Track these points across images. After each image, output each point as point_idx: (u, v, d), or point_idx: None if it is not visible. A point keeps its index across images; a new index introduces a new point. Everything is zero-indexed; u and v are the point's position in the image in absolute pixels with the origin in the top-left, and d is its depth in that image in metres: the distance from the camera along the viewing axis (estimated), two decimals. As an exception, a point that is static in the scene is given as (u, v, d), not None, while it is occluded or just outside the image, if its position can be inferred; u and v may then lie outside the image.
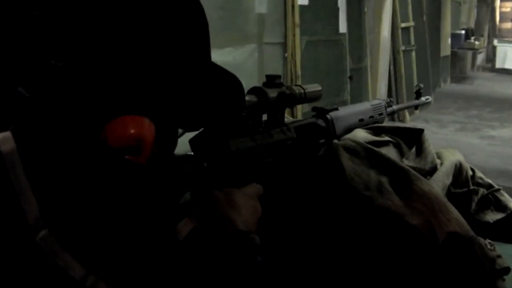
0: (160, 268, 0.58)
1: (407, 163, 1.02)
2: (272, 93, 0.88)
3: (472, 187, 1.08)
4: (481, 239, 0.85)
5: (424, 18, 7.26)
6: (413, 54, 6.65)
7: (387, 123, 1.20)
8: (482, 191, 1.07)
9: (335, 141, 0.99)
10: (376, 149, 0.96)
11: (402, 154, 1.06)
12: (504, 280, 0.84)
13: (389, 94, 6.07)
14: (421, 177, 0.93)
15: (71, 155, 0.57)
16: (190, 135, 0.79)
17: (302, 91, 0.95)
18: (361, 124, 1.15)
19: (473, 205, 1.05)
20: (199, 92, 0.70)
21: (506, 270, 0.84)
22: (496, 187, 1.11)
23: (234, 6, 3.31)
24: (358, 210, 0.89)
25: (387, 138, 1.07)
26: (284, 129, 0.93)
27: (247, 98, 0.84)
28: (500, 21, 14.10)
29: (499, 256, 0.84)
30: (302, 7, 3.93)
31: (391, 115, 1.34)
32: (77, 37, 0.59)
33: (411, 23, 6.55)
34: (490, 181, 1.12)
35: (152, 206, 0.62)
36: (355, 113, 1.16)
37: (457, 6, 9.74)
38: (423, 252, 0.84)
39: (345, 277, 0.86)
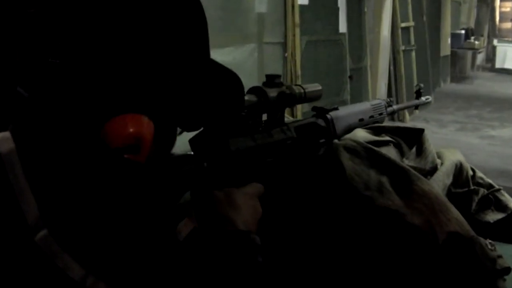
0: (160, 268, 0.58)
1: (407, 163, 1.02)
2: (272, 93, 0.87)
3: (472, 187, 1.08)
4: (482, 239, 0.85)
5: (424, 18, 7.26)
6: (413, 54, 6.65)
7: (387, 123, 1.20)
8: (482, 191, 1.07)
9: (335, 140, 0.99)
10: (376, 149, 0.96)
11: (402, 154, 1.06)
12: (504, 280, 0.84)
13: (389, 94, 6.07)
14: (422, 177, 0.93)
15: (70, 155, 0.56)
16: (190, 134, 0.79)
17: (302, 90, 0.94)
18: (361, 124, 1.15)
19: (474, 205, 1.05)
20: (198, 89, 0.69)
21: (506, 270, 0.84)
22: (497, 187, 1.11)
23: (234, 5, 3.31)
24: (358, 210, 0.89)
25: (387, 138, 1.07)
26: (284, 128, 0.93)
27: (247, 97, 0.84)
28: (500, 21, 14.10)
29: (499, 256, 0.84)
30: (302, 6, 3.93)
31: (391, 115, 1.34)
32: (75, 35, 0.58)
33: (411, 23, 6.55)
34: (490, 181, 1.12)
35: (152, 206, 0.62)
36: (355, 112, 1.16)
37: (457, 6, 9.74)
38: (424, 252, 0.84)
39: (345, 277, 0.86)
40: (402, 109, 1.54)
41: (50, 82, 0.58)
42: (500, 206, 1.07)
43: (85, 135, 0.59)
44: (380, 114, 1.23)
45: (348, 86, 4.79)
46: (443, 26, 8.53)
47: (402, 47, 6.25)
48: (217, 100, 0.72)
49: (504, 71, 11.18)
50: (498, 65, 11.64)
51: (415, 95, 1.49)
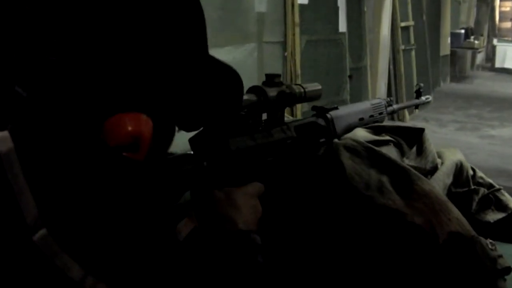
0: (160, 268, 0.57)
1: (407, 162, 1.02)
2: (272, 92, 0.87)
3: (472, 187, 1.08)
4: (482, 239, 0.84)
5: (424, 17, 7.26)
6: (413, 53, 6.65)
7: (387, 122, 1.20)
8: (482, 190, 1.07)
9: (336, 140, 0.99)
10: (376, 148, 0.96)
11: (402, 154, 1.06)
12: (505, 280, 0.84)
13: (389, 93, 6.07)
14: (422, 176, 0.92)
15: (69, 154, 0.56)
16: (190, 134, 0.78)
17: (302, 90, 0.94)
18: (361, 123, 1.15)
19: (474, 204, 1.05)
20: (196, 85, 0.69)
21: (507, 270, 0.83)
22: (497, 186, 1.11)
23: (234, 5, 3.31)
24: (359, 210, 0.89)
25: (387, 138, 1.07)
26: (284, 128, 0.93)
27: (247, 97, 0.84)
28: (500, 20, 14.10)
29: (500, 256, 0.83)
30: (302, 6, 3.93)
31: (391, 114, 1.34)
32: (73, 33, 0.58)
33: (411, 23, 6.55)
34: (490, 180, 1.12)
35: (151, 205, 0.62)
36: (355, 112, 1.15)
37: (457, 6, 9.74)
38: (424, 252, 0.84)
39: (346, 277, 0.86)
40: (402, 108, 1.54)
41: (48, 81, 0.58)
42: (501, 205, 1.07)
43: (84, 134, 0.59)
44: (380, 113, 1.23)
45: (348, 85, 4.78)
46: (443, 26, 8.53)
47: (402, 47, 6.25)
48: (216, 96, 0.72)
49: (504, 71, 11.18)
50: (497, 64, 11.64)
51: (415, 94, 1.49)
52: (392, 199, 0.88)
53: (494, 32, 13.71)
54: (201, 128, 0.79)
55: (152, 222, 0.60)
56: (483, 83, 9.77)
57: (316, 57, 4.24)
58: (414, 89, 1.49)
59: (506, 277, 0.84)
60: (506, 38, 12.78)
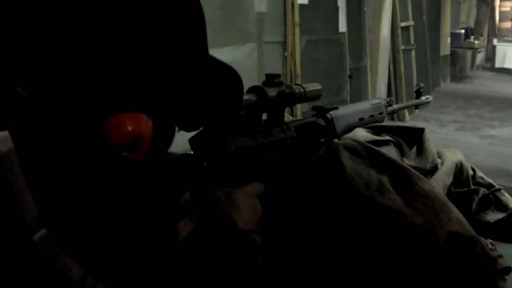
0: (160, 268, 0.57)
1: (407, 162, 1.01)
2: (272, 92, 0.87)
3: (472, 187, 1.08)
4: (482, 239, 0.84)
5: (424, 17, 7.26)
6: (413, 53, 6.65)
7: (387, 122, 1.20)
8: (482, 190, 1.07)
9: (336, 140, 0.99)
10: (376, 148, 0.96)
11: (402, 154, 1.05)
12: (505, 280, 0.84)
13: (389, 93, 6.07)
14: (422, 176, 0.92)
15: (69, 154, 0.56)
16: (190, 134, 0.78)
17: (302, 90, 0.94)
18: (361, 123, 1.15)
19: (474, 204, 1.05)
20: (196, 84, 0.69)
21: (507, 270, 0.83)
22: (497, 186, 1.11)
23: (234, 5, 3.31)
24: (359, 210, 0.89)
25: (387, 138, 1.07)
26: (284, 128, 0.93)
27: (247, 97, 0.84)
28: (500, 20, 14.10)
29: (500, 256, 0.83)
30: (302, 6, 3.93)
31: (391, 114, 1.34)
32: (72, 33, 0.58)
33: (411, 22, 6.55)
34: (490, 180, 1.12)
35: (151, 205, 0.62)
36: (355, 112, 1.15)
37: (457, 5, 9.74)
38: (424, 252, 0.84)
39: (346, 277, 0.86)
40: (402, 108, 1.54)
41: (48, 81, 0.58)
42: (501, 205, 1.07)
43: (84, 134, 0.59)
44: (380, 113, 1.23)
45: (348, 85, 4.79)
46: (443, 26, 8.53)
47: (402, 47, 6.25)
48: (216, 96, 0.72)
49: (504, 71, 11.18)
50: (497, 64, 11.64)
51: (415, 94, 1.48)
52: (392, 199, 0.88)
53: (494, 32, 13.71)
54: (201, 128, 0.79)
55: (152, 222, 0.60)
56: (483, 83, 9.77)
57: (316, 57, 4.24)
58: (414, 89, 1.48)
59: (506, 277, 0.84)
60: (506, 38, 12.78)
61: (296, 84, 0.94)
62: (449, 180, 1.04)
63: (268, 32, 3.65)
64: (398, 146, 1.07)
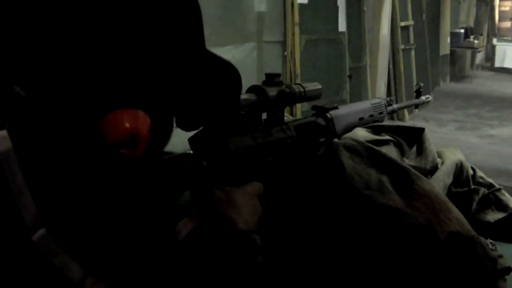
0: (160, 268, 0.57)
1: (407, 162, 1.01)
2: (272, 92, 0.87)
3: (473, 187, 1.08)
4: (483, 239, 0.84)
5: (424, 17, 7.27)
6: (413, 53, 6.65)
7: (387, 122, 1.20)
8: (483, 190, 1.07)
9: (335, 140, 0.99)
10: (376, 148, 0.96)
11: (402, 153, 1.05)
12: (505, 280, 0.84)
13: (388, 93, 6.07)
14: (422, 176, 0.92)
15: (68, 153, 0.56)
16: (189, 134, 0.78)
17: (302, 89, 0.94)
18: (361, 123, 1.15)
19: (474, 204, 1.05)
20: (194, 79, 0.69)
21: (507, 270, 0.83)
22: (497, 186, 1.10)
23: (233, 4, 3.31)
24: (358, 209, 0.88)
25: (387, 137, 1.07)
26: (284, 127, 0.93)
27: (247, 96, 0.83)
28: (499, 20, 14.10)
29: (500, 256, 0.83)
30: (301, 5, 3.93)
31: (391, 114, 1.34)
32: (67, 29, 0.57)
33: (411, 22, 6.56)
34: (491, 180, 1.12)
35: (151, 204, 0.61)
36: (355, 111, 1.15)
37: (457, 5, 9.74)
38: (424, 252, 0.84)
39: (346, 277, 0.86)
40: (402, 108, 1.54)
41: (45, 78, 0.57)
42: (501, 205, 1.06)
43: (82, 132, 0.58)
44: (380, 113, 1.23)
45: (348, 85, 4.79)
46: (443, 25, 8.54)
47: (402, 46, 6.25)
48: (214, 90, 0.71)
49: (504, 70, 11.19)
50: (497, 64, 11.65)
51: (414, 94, 1.48)
52: (392, 199, 0.88)
53: (494, 31, 13.71)
54: (201, 128, 0.78)
55: (151, 222, 0.60)
56: (483, 83, 9.78)
57: (315, 56, 4.24)
58: (414, 88, 1.48)
59: (506, 277, 0.84)
60: (505, 38, 12.79)
61: (296, 84, 0.94)
62: (449, 179, 1.04)
63: (268, 32, 3.65)
64: (398, 145, 1.06)
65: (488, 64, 12.25)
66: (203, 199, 0.76)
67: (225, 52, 3.13)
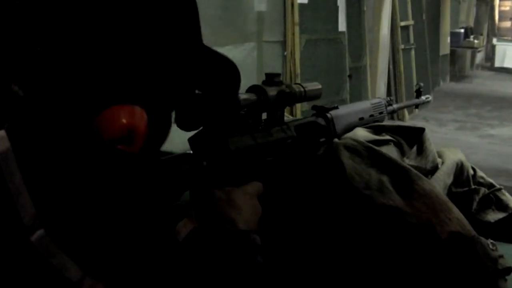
0: (159, 268, 0.57)
1: (408, 162, 1.01)
2: (272, 92, 0.87)
3: (473, 187, 1.07)
4: (483, 239, 0.84)
5: (424, 16, 7.27)
6: (413, 52, 6.65)
7: (387, 122, 1.20)
8: (483, 190, 1.06)
9: (336, 140, 0.99)
10: (376, 148, 0.96)
11: (403, 153, 1.05)
12: (506, 280, 0.83)
13: (388, 93, 6.07)
14: (422, 176, 0.92)
15: (66, 153, 0.56)
16: (189, 133, 0.78)
17: (302, 89, 0.94)
18: (362, 122, 1.15)
19: (474, 204, 1.04)
20: (191, 75, 0.68)
21: (508, 270, 0.83)
22: (497, 186, 1.10)
23: (233, 4, 3.31)
24: (359, 209, 0.88)
25: (387, 137, 1.06)
26: (284, 127, 0.92)
27: (246, 96, 0.83)
28: (499, 19, 14.11)
29: (501, 256, 0.83)
30: (301, 5, 3.93)
31: (391, 114, 1.34)
32: (63, 25, 0.57)
33: (411, 22, 6.56)
34: (491, 180, 1.12)
35: (150, 204, 0.61)
36: (355, 111, 1.15)
37: (457, 5, 9.74)
38: (425, 252, 0.84)
39: (346, 277, 0.86)
40: (402, 108, 1.54)
41: (41, 75, 0.57)
42: (501, 205, 1.06)
43: (79, 129, 0.58)
44: (381, 113, 1.22)
45: (348, 85, 4.79)
46: (443, 25, 8.54)
47: (402, 46, 6.25)
48: (212, 86, 0.71)
49: (503, 70, 11.20)
50: (497, 64, 11.66)
51: (414, 94, 1.48)
52: (392, 199, 0.88)
53: (494, 31, 13.72)
54: (201, 128, 0.78)
55: (151, 222, 0.59)
56: (483, 83, 9.78)
57: (315, 56, 4.25)
58: (414, 88, 1.48)
59: (507, 277, 0.84)
60: (505, 38, 12.80)
61: (296, 84, 0.94)
62: (449, 179, 1.04)
63: (268, 32, 3.66)
64: (398, 145, 1.06)
65: (488, 64, 12.26)
66: (203, 199, 0.76)
67: (225, 52, 3.09)
